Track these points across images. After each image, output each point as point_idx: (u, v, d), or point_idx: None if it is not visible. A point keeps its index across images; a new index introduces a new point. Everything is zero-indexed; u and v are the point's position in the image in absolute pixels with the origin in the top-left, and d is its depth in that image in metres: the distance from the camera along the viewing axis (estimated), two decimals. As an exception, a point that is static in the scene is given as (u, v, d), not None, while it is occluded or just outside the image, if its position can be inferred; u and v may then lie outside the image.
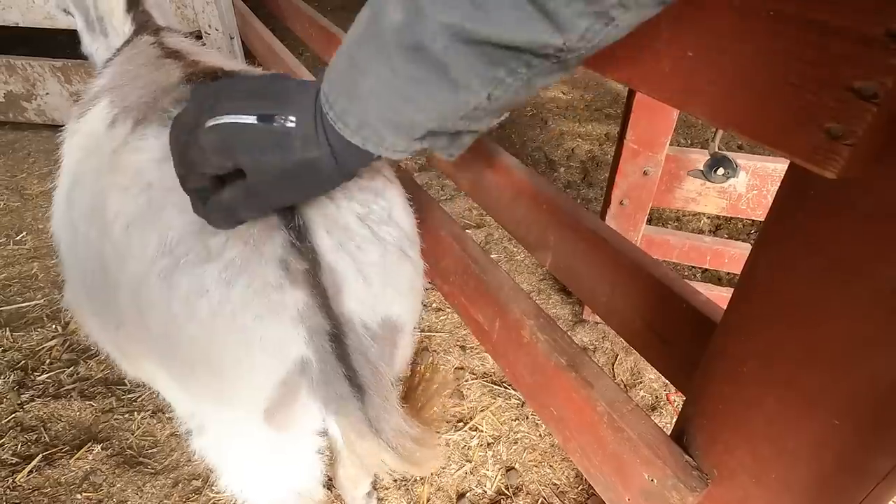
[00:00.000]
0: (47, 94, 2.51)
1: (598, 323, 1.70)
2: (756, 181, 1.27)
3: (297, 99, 0.47)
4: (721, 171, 1.19)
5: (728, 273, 1.86)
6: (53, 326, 1.61)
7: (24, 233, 2.00)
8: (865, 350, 0.40)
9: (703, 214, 2.22)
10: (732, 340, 0.53)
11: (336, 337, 0.58)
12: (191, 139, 0.49)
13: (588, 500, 1.23)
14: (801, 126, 0.35)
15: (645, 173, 1.31)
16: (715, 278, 1.90)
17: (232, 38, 2.49)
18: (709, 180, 1.24)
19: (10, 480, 1.22)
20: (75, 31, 1.29)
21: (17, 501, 1.19)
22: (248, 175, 0.49)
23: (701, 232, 2.18)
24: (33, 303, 1.70)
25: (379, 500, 1.22)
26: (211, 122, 0.47)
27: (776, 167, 1.23)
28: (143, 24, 1.07)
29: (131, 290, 0.59)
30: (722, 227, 2.19)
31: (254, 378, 0.59)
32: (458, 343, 1.63)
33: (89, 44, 1.27)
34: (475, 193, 1.17)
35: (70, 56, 2.38)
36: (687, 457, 0.60)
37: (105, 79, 0.93)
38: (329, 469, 0.84)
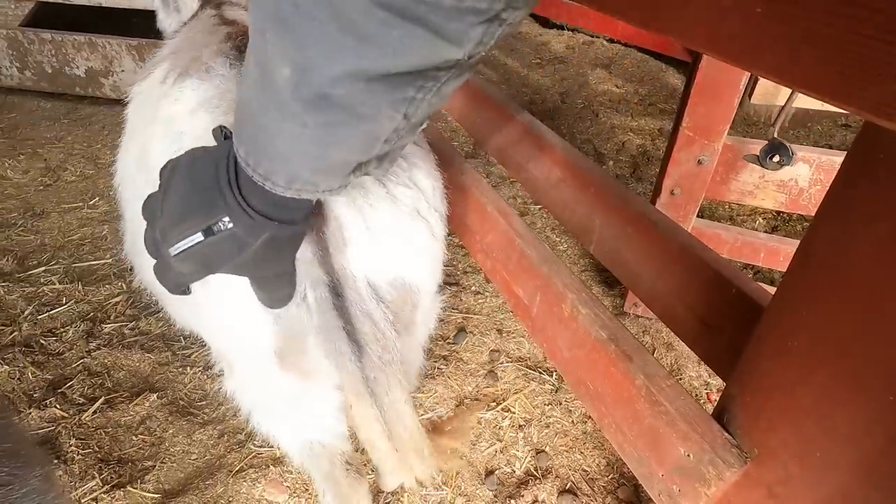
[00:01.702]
0: (122, 70, 2.68)
1: (638, 316, 1.67)
2: (820, 175, 1.20)
3: (217, 197, 0.47)
4: (776, 158, 1.14)
5: (783, 274, 1.77)
6: (119, 284, 1.73)
7: (98, 198, 2.16)
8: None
9: (759, 214, 2.13)
10: (785, 315, 0.52)
11: (335, 290, 0.60)
12: (166, 268, 0.53)
13: (618, 490, 1.22)
14: (870, 78, 0.34)
15: (699, 162, 1.27)
16: (768, 280, 1.82)
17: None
18: (763, 166, 1.19)
19: (77, 418, 1.33)
20: (150, 11, 1.38)
21: (83, 437, 1.30)
22: (234, 272, 0.52)
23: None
24: (102, 261, 1.84)
25: (410, 468, 1.25)
26: (173, 252, 0.50)
27: (840, 161, 1.17)
28: None
29: None
30: (779, 228, 2.09)
31: (255, 319, 0.62)
32: (496, 326, 1.64)
33: (164, 19, 1.34)
34: (521, 175, 1.17)
35: (144, 35, 2.54)
36: (726, 434, 0.59)
37: (167, 48, 0.99)
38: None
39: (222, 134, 0.53)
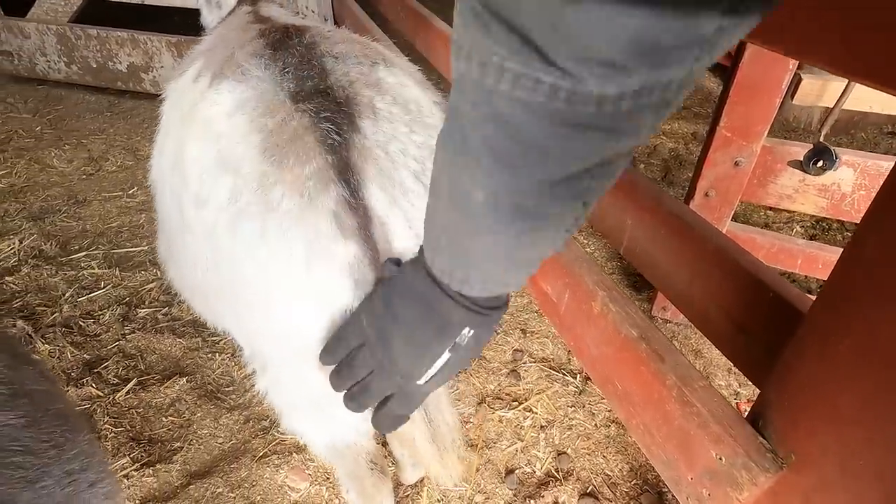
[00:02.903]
0: (162, 66, 2.77)
1: (667, 321, 1.64)
2: (864, 180, 1.16)
3: (446, 314, 0.49)
4: (820, 163, 1.10)
5: (820, 283, 1.71)
6: (154, 271, 1.79)
7: (136, 188, 2.23)
8: None
9: (796, 222, 2.06)
10: (829, 319, 0.50)
11: None
12: (412, 397, 0.56)
13: (641, 496, 1.20)
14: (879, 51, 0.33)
15: (736, 164, 1.24)
16: (804, 289, 1.76)
17: (326, 21, 2.62)
18: (806, 171, 1.15)
19: (112, 398, 1.38)
20: (191, 9, 1.41)
21: (116, 416, 1.34)
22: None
23: (792, 240, 2.02)
24: (139, 249, 1.90)
25: (430, 463, 1.26)
26: (423, 381, 0.52)
27: (888, 165, 1.12)
28: None
29: (205, 233, 0.64)
30: (817, 237, 2.01)
31: (303, 322, 0.62)
32: (520, 326, 1.63)
33: (206, 15, 1.38)
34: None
35: (183, 32, 2.62)
36: (761, 438, 0.57)
37: (203, 45, 1.01)
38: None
39: (391, 262, 0.55)
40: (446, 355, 0.50)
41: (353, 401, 0.58)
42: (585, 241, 2.00)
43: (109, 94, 2.96)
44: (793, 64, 1.10)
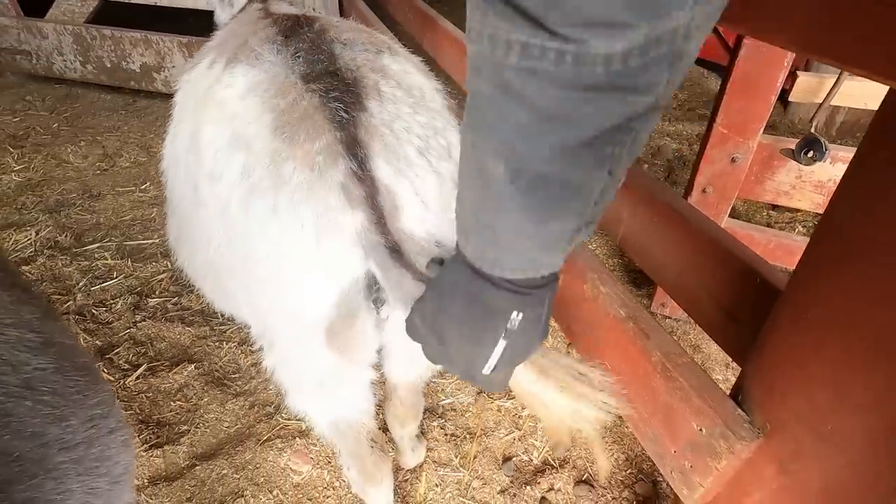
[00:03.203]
0: (173, 66, 2.84)
1: (666, 317, 1.65)
2: (860, 176, 1.17)
3: (491, 303, 0.48)
4: (811, 153, 1.12)
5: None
6: (165, 262, 1.84)
7: (148, 183, 2.29)
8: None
9: (798, 222, 2.07)
10: (801, 290, 0.53)
11: (396, 249, 0.62)
12: (489, 383, 0.54)
13: (636, 484, 1.22)
14: (880, 42, 0.36)
15: (733, 160, 1.26)
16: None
17: (335, 21, 2.67)
18: (797, 161, 1.17)
19: (122, 382, 1.43)
20: (203, 11, 1.45)
21: (126, 400, 1.39)
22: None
23: (794, 241, 2.03)
24: (150, 241, 1.95)
25: (429, 449, 1.28)
26: (486, 371, 0.52)
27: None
28: None
29: (219, 209, 0.68)
30: (819, 237, 2.02)
31: (315, 293, 0.65)
32: (520, 320, 1.65)
33: (220, 13, 1.42)
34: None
35: (194, 33, 2.68)
36: (739, 410, 0.59)
37: (215, 40, 1.06)
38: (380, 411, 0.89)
39: (435, 262, 0.57)
40: (502, 343, 0.50)
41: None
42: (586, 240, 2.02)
43: (124, 93, 3.04)
44: (788, 62, 1.12)
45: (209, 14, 1.44)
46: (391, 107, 0.67)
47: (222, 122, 0.69)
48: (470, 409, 1.39)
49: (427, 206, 0.66)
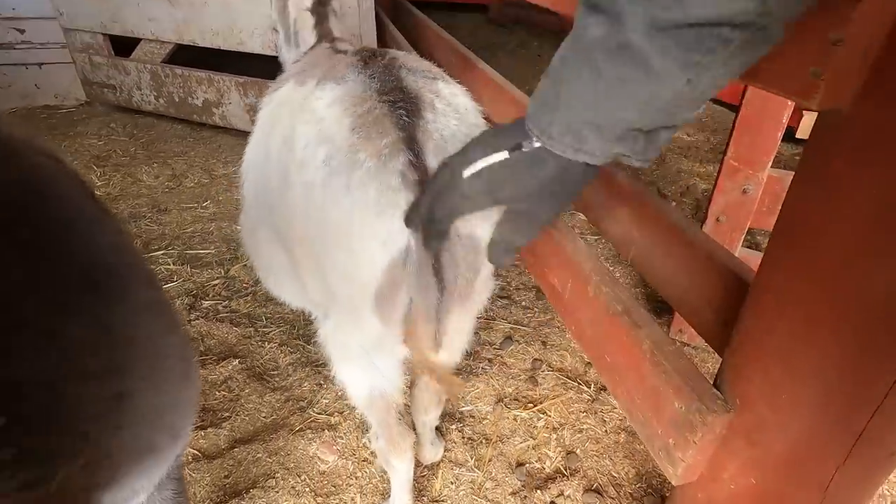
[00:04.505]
0: (230, 103, 3.14)
1: (684, 344, 1.69)
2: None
3: (523, 125, 0.52)
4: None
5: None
6: (219, 270, 2.03)
7: (209, 202, 2.54)
8: (857, 261, 0.48)
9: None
10: (762, 280, 0.62)
11: None
12: (449, 190, 0.58)
13: (644, 498, 1.25)
14: (796, 70, 0.47)
15: (744, 192, 1.34)
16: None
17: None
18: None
19: (175, 371, 1.59)
20: (257, 54, 1.62)
21: (178, 386, 1.54)
22: (512, 206, 0.58)
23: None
24: (207, 251, 2.16)
25: (446, 450, 1.36)
26: (468, 172, 0.54)
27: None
28: (323, 35, 1.41)
29: (303, 187, 0.84)
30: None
31: (372, 256, 0.79)
32: (541, 339, 1.73)
33: (285, 52, 1.64)
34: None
35: (249, 74, 2.98)
36: (714, 389, 0.67)
37: (293, 70, 1.26)
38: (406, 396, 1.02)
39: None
40: (503, 154, 0.50)
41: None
42: (612, 268, 2.09)
43: (192, 124, 3.38)
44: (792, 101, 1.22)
45: (262, 57, 1.65)
46: (442, 118, 0.83)
47: (312, 123, 0.86)
48: (488, 416, 1.46)
49: None
